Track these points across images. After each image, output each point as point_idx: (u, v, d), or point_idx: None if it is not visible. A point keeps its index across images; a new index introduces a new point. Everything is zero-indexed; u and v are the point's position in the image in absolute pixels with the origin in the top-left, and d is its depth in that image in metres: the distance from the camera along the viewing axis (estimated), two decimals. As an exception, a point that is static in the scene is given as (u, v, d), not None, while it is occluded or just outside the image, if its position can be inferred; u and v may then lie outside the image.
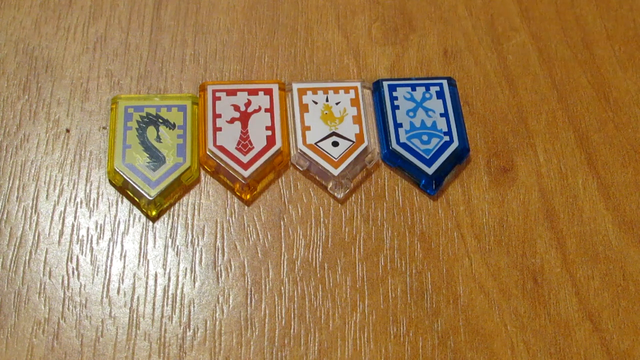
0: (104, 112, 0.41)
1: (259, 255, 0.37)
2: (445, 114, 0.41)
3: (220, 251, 0.37)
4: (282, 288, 0.36)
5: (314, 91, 0.42)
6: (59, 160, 0.39)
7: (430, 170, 0.39)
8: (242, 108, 0.41)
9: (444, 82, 0.43)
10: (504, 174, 0.40)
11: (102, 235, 0.37)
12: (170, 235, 0.38)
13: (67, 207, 0.38)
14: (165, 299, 0.36)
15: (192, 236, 0.38)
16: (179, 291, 0.36)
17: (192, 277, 0.36)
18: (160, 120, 0.40)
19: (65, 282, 0.36)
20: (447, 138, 0.40)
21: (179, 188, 0.39)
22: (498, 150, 0.41)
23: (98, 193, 0.39)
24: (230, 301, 0.36)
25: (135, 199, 0.38)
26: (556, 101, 0.43)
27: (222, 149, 0.39)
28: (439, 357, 0.35)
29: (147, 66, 0.43)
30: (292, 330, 0.35)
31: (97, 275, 0.36)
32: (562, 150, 0.41)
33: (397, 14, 0.46)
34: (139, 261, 0.37)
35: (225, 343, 0.35)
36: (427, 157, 0.40)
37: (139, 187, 0.38)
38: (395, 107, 0.41)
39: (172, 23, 0.44)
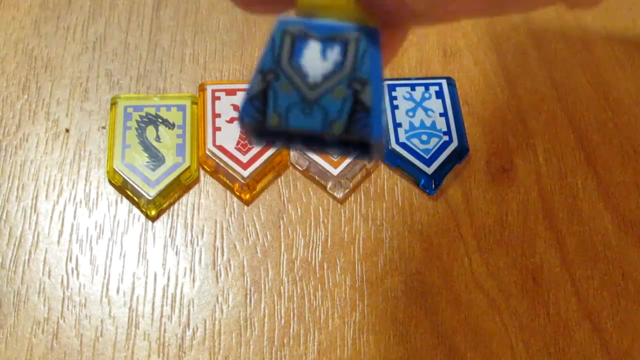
0: (103, 112, 0.41)
1: (258, 255, 0.37)
2: (444, 114, 0.41)
3: (219, 251, 0.37)
4: (282, 288, 0.36)
5: (314, 91, 0.42)
6: (58, 160, 0.39)
7: (429, 170, 0.39)
8: (242, 108, 0.41)
9: (444, 82, 0.43)
10: (504, 173, 0.40)
11: (101, 235, 0.37)
12: (170, 235, 0.38)
13: (66, 207, 0.38)
14: (165, 299, 0.36)
15: (192, 236, 0.38)
16: (178, 291, 0.36)
17: (192, 277, 0.36)
18: (160, 120, 0.40)
19: (65, 282, 0.36)
20: (446, 138, 0.40)
21: (178, 188, 0.39)
22: (497, 150, 0.41)
23: (97, 193, 0.39)
24: (230, 301, 0.36)
25: (135, 198, 0.38)
26: (556, 101, 0.43)
27: (221, 148, 0.39)
28: (438, 357, 0.35)
29: (147, 66, 0.43)
30: (291, 330, 0.35)
31: (96, 274, 0.36)
32: (562, 150, 0.41)
33: (397, 13, 0.46)
34: (138, 261, 0.37)
35: (225, 343, 0.35)
36: (427, 157, 0.40)
37: (138, 186, 0.38)
38: (394, 107, 0.41)
39: (172, 23, 0.44)
